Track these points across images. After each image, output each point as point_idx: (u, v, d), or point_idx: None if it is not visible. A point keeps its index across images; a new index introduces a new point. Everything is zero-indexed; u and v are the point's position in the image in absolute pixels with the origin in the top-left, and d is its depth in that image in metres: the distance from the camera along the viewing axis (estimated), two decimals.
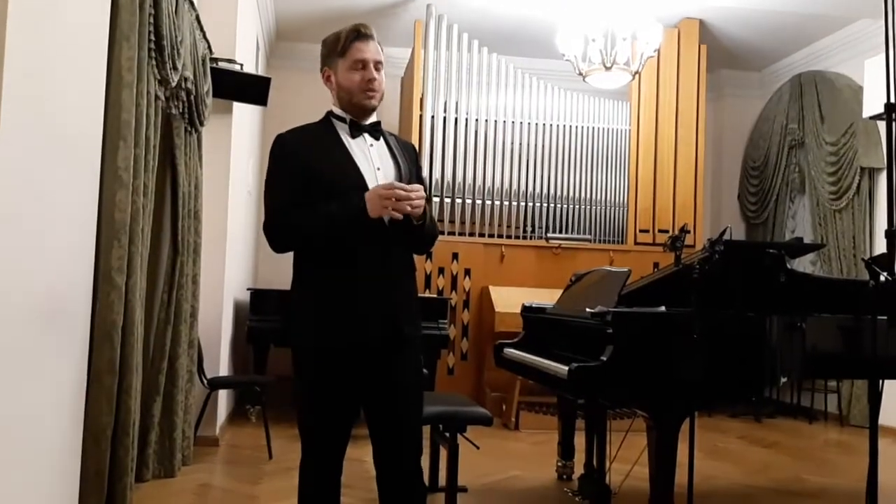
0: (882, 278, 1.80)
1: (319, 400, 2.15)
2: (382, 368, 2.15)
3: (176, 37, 3.34)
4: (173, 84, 3.43)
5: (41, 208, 2.12)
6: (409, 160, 2.28)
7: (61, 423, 2.40)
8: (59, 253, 2.31)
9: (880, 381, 5.92)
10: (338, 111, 2.25)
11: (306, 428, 2.20)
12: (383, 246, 2.14)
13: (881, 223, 6.38)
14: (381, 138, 2.26)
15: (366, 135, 2.22)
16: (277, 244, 2.16)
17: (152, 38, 3.08)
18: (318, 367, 2.14)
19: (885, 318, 1.84)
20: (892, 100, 1.97)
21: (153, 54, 3.12)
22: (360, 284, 2.11)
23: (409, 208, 2.06)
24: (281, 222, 2.14)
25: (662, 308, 3.26)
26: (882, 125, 6.17)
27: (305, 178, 2.12)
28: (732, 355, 3.19)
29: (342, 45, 2.19)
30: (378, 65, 2.20)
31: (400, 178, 2.19)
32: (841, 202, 6.73)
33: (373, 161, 2.19)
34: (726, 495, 4.10)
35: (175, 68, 3.38)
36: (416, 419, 2.24)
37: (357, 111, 2.21)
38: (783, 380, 3.36)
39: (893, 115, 1.95)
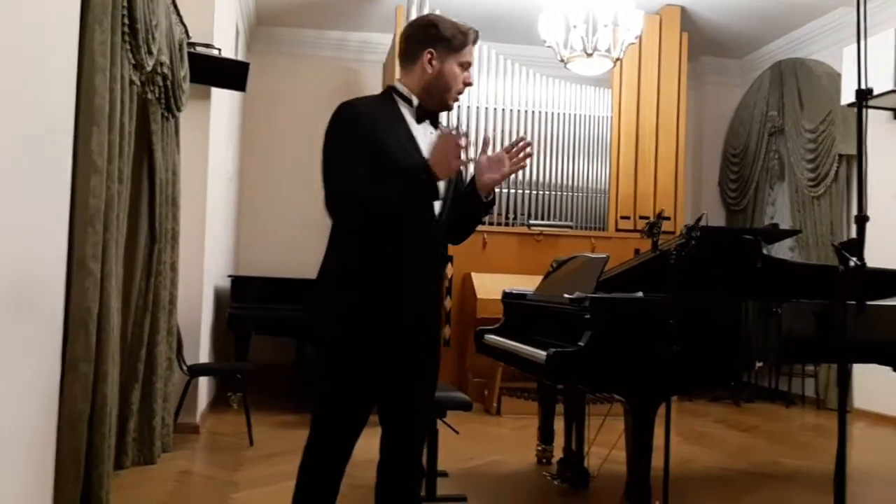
0: (851, 263, 1.82)
1: (346, 383, 2.10)
2: (410, 357, 2.15)
3: (150, 21, 3.30)
4: (148, 69, 3.39)
5: (10, 194, 2.10)
6: None
7: (34, 410, 2.38)
8: (31, 239, 2.28)
9: (850, 366, 5.97)
10: (405, 91, 2.18)
11: (326, 412, 2.15)
12: (435, 234, 2.15)
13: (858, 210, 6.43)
14: (438, 129, 2.26)
15: (428, 122, 2.21)
16: (342, 217, 2.10)
17: (126, 22, 3.03)
18: (349, 352, 2.09)
19: (854, 302, 1.86)
20: (864, 86, 1.98)
21: (127, 38, 3.08)
22: (406, 273, 2.10)
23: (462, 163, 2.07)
24: (351, 196, 2.04)
25: (640, 294, 3.28)
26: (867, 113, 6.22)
27: (370, 152, 2.05)
28: (708, 340, 3.22)
29: (465, 42, 2.18)
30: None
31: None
32: (819, 189, 6.78)
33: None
34: (703, 478, 4.15)
35: (150, 53, 3.34)
36: (429, 410, 2.27)
37: (436, 102, 2.19)
38: (758, 364, 3.39)
39: (865, 101, 1.96)
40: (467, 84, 2.19)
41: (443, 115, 2.30)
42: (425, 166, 2.04)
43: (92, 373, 2.75)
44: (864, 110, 1.98)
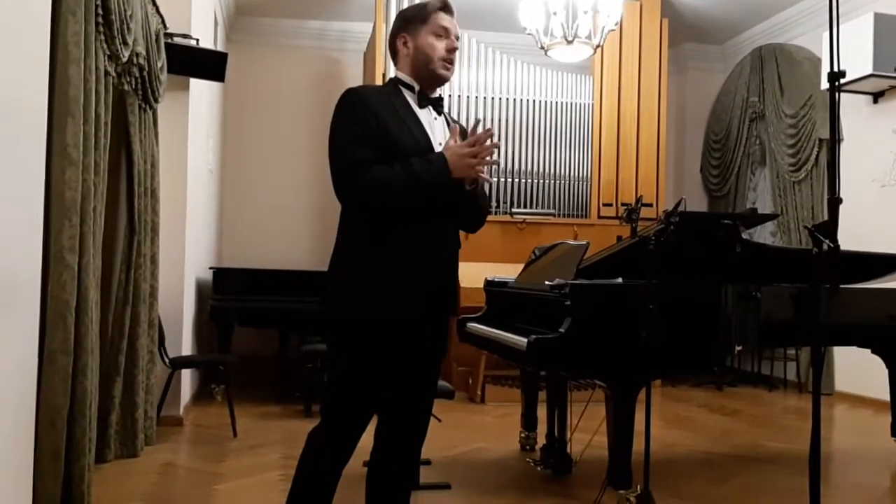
0: (824, 246, 1.84)
1: (365, 369, 2.10)
2: (426, 342, 2.15)
3: (125, 11, 3.26)
4: (124, 59, 3.35)
5: None
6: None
7: (11, 405, 2.37)
8: (5, 233, 2.26)
9: (831, 349, 6.02)
10: (405, 78, 2.20)
11: (343, 399, 2.14)
12: (442, 221, 2.14)
13: (839, 193, 6.48)
14: (442, 115, 2.25)
15: (430, 107, 2.21)
16: (351, 199, 2.09)
17: (100, 12, 3.00)
18: (365, 336, 2.09)
19: (828, 285, 1.87)
20: (838, 69, 1.99)
21: (101, 29, 3.05)
22: (417, 260, 2.10)
23: (488, 165, 2.07)
24: (358, 178, 2.03)
25: (619, 280, 3.30)
26: (841, 97, 6.25)
27: (377, 135, 2.06)
28: (687, 325, 3.24)
29: (428, 12, 2.19)
30: (457, 38, 2.21)
31: None
32: (800, 174, 6.83)
33: (436, 135, 2.18)
34: (686, 462, 4.19)
35: (125, 43, 3.31)
36: (432, 398, 2.29)
37: (430, 80, 2.18)
38: (738, 348, 3.42)
39: (838, 84, 1.97)
40: (450, 49, 2.17)
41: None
42: (443, 162, 2.04)
43: (71, 366, 2.73)
44: (837, 94, 1.99)
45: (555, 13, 5.55)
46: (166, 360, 4.48)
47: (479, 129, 2.10)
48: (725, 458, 4.29)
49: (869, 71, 5.62)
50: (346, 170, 2.06)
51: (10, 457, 2.37)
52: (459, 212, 2.22)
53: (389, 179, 2.02)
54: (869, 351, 4.37)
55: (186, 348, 5.07)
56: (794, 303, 3.50)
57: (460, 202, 2.17)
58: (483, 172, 2.08)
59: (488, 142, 2.07)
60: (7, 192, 2.26)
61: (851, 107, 6.34)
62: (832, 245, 1.79)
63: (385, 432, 2.24)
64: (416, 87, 2.19)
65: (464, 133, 2.24)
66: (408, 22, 2.22)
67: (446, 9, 2.20)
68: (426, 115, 2.19)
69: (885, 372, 4.32)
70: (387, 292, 2.08)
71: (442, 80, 2.20)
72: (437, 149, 2.14)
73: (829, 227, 1.85)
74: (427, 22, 2.18)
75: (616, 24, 5.78)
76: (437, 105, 2.23)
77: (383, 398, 2.20)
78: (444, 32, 2.17)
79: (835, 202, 1.84)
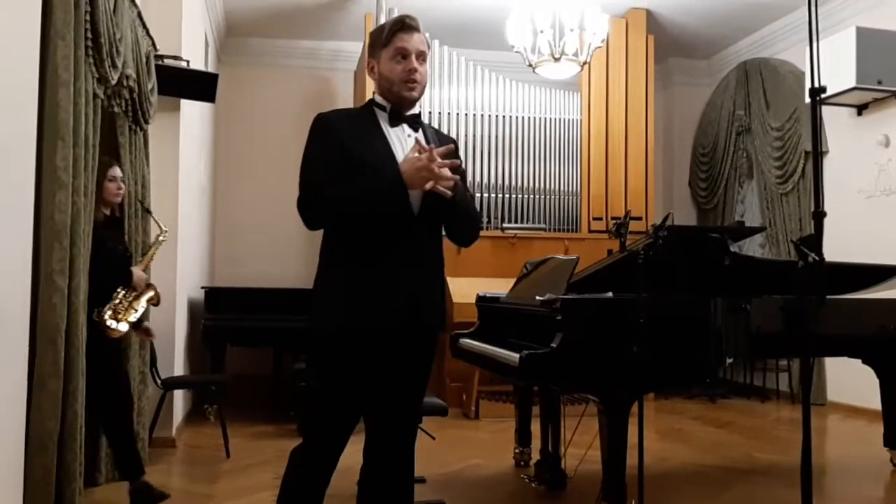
0: (809, 259, 1.86)
1: (339, 384, 2.13)
2: (400, 356, 2.16)
3: (115, 34, 3.28)
4: (113, 82, 3.37)
5: None
6: (449, 155, 2.28)
7: (2, 428, 2.36)
8: None
9: (822, 359, 6.04)
10: (378, 99, 2.25)
11: (319, 415, 2.17)
12: (412, 231, 2.15)
13: (825, 206, 6.53)
14: (420, 130, 2.26)
15: (405, 125, 2.23)
16: (311, 220, 2.14)
17: (89, 35, 3.02)
18: (340, 351, 2.12)
19: (814, 297, 1.90)
20: (819, 84, 2.03)
21: (91, 52, 3.07)
22: (391, 271, 2.11)
23: (447, 180, 2.07)
24: (316, 197, 2.11)
25: (609, 294, 3.31)
26: (824, 110, 6.33)
27: (343, 161, 2.11)
28: (678, 339, 3.26)
29: (386, 34, 2.21)
30: (421, 56, 2.21)
31: None
32: (787, 186, 6.88)
33: (408, 151, 2.18)
34: (678, 475, 4.19)
35: (115, 66, 3.32)
36: (417, 409, 2.29)
37: (397, 101, 2.21)
38: (729, 360, 3.44)
39: (819, 99, 2.01)
40: (408, 70, 2.17)
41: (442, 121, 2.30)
42: (396, 173, 2.06)
43: (61, 389, 2.72)
44: (819, 109, 2.02)
45: (542, 31, 5.61)
46: (158, 381, 4.46)
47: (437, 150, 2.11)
48: (719, 471, 4.30)
49: (852, 84, 5.68)
50: (304, 194, 2.13)
51: (1, 482, 2.36)
52: (441, 224, 2.24)
53: (342, 196, 2.08)
54: (860, 361, 4.39)
55: (179, 368, 5.05)
56: (784, 314, 3.52)
57: (438, 214, 2.18)
58: (439, 184, 2.07)
59: (440, 161, 2.07)
60: None
61: (836, 119, 6.41)
62: (817, 258, 1.81)
63: (373, 449, 2.25)
64: (388, 107, 2.23)
65: (454, 150, 2.25)
66: (372, 46, 2.26)
67: (404, 28, 2.20)
68: (398, 133, 2.22)
69: (877, 382, 4.34)
70: (364, 306, 2.10)
71: (409, 101, 2.22)
72: None
73: (814, 241, 1.88)
74: (387, 45, 2.20)
75: (602, 41, 5.84)
76: (413, 122, 2.25)
77: (367, 414, 2.21)
78: (403, 53, 2.18)
79: (819, 216, 1.87)
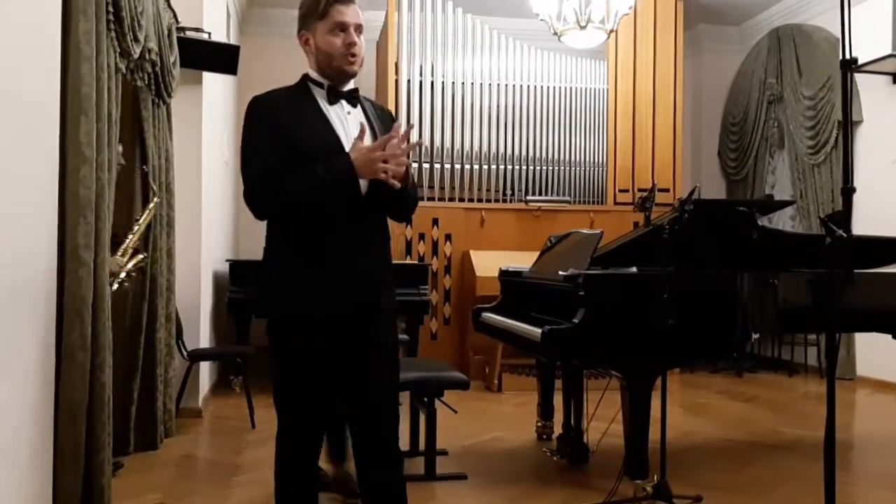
0: (837, 235, 1.81)
1: (295, 370, 2.13)
2: (358, 338, 2.14)
3: (136, 8, 3.27)
4: (135, 56, 3.36)
5: None
6: (387, 128, 2.22)
7: (31, 401, 2.40)
8: (20, 232, 2.29)
9: (852, 334, 5.97)
10: (315, 76, 2.18)
11: (282, 400, 2.18)
12: (360, 214, 2.11)
13: (859, 177, 6.40)
14: (359, 105, 2.22)
15: (343, 101, 2.17)
16: (260, 210, 2.12)
17: (111, 10, 3.00)
18: (293, 337, 2.11)
19: (842, 271, 1.85)
20: (851, 54, 1.96)
21: (112, 27, 3.06)
22: (337, 254, 2.09)
23: (401, 169, 2.03)
24: (264, 188, 2.07)
25: (634, 269, 3.28)
26: (859, 78, 6.17)
27: (282, 144, 2.06)
28: (704, 313, 3.22)
29: (322, 6, 2.12)
30: (359, 28, 2.14)
31: None
32: (819, 156, 6.74)
33: (349, 129, 2.14)
34: (703, 450, 4.17)
35: (136, 40, 3.32)
36: (392, 387, 2.24)
37: (336, 76, 2.15)
38: (755, 336, 3.40)
39: (850, 72, 1.94)
40: (349, 44, 2.10)
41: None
42: (348, 165, 2.01)
43: (89, 361, 2.76)
44: (851, 80, 1.96)
45: None
46: (184, 353, 4.52)
47: (402, 131, 2.06)
48: (743, 446, 4.27)
49: (888, 51, 5.53)
50: (250, 185, 2.09)
51: (30, 452, 2.41)
52: (386, 208, 2.20)
53: (292, 188, 2.04)
54: (890, 336, 4.32)
55: (204, 341, 5.11)
56: (812, 289, 3.46)
57: (386, 199, 2.13)
58: (390, 174, 2.02)
59: (404, 144, 2.03)
60: (22, 191, 2.29)
61: (871, 87, 6.25)
62: (844, 235, 1.76)
63: (352, 430, 2.24)
64: (325, 84, 2.16)
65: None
66: (305, 18, 2.16)
67: (341, 0, 2.12)
68: (337, 111, 2.15)
69: None
70: (314, 291, 2.08)
71: (349, 76, 2.16)
72: (351, 142, 2.10)
73: (843, 217, 1.83)
74: (323, 17, 2.11)
75: (630, 7, 5.71)
76: (350, 98, 2.19)
77: (345, 399, 2.20)
78: (342, 26, 2.10)
79: (848, 192, 1.82)
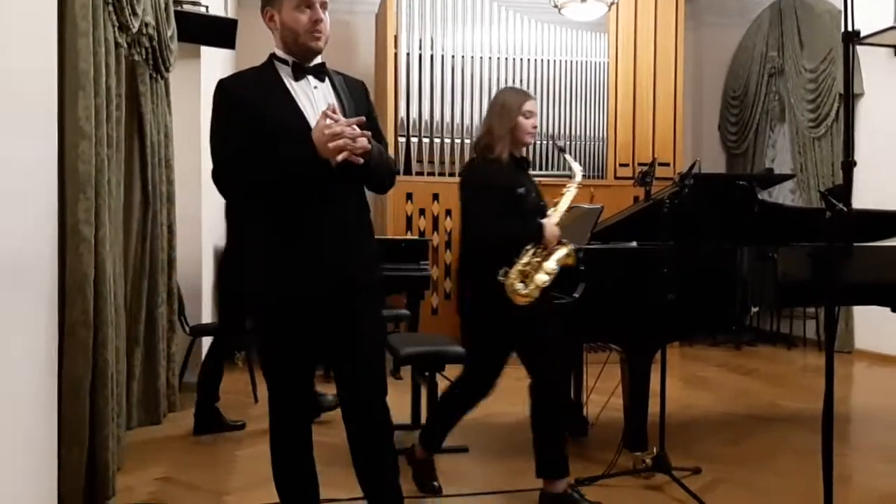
0: (837, 209, 1.82)
1: (277, 350, 2.18)
2: (338, 316, 2.15)
3: None
4: (134, 30, 3.34)
5: None
6: (358, 100, 2.24)
7: (34, 377, 2.42)
8: (20, 208, 2.29)
9: (850, 308, 5.96)
10: (280, 53, 2.19)
11: (268, 375, 2.23)
12: (333, 190, 2.11)
13: (859, 150, 6.38)
14: (327, 80, 2.21)
15: (309, 77, 2.17)
16: (226, 192, 2.17)
17: None
18: (272, 319, 2.16)
19: (841, 245, 1.86)
20: (851, 28, 1.95)
21: (110, 0, 3.04)
22: (310, 234, 2.10)
23: (360, 144, 2.02)
24: (229, 172, 2.11)
25: (634, 244, 3.29)
26: (861, 50, 6.12)
27: (249, 124, 2.08)
28: (703, 287, 3.23)
29: None
30: (324, 5, 2.14)
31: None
32: (820, 130, 6.71)
33: (316, 104, 2.14)
34: (701, 423, 4.21)
35: (135, 13, 3.29)
36: (377, 360, 2.25)
37: (302, 53, 2.16)
38: (754, 309, 3.41)
39: (852, 44, 1.93)
40: (315, 21, 2.10)
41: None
42: (311, 146, 2.02)
43: (91, 338, 2.78)
44: (853, 54, 1.95)
45: None
46: (186, 329, 4.54)
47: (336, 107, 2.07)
48: (742, 419, 4.31)
49: (890, 23, 5.48)
50: (216, 168, 2.12)
51: (35, 428, 2.43)
52: (360, 182, 2.20)
53: (256, 170, 2.06)
54: (889, 309, 4.33)
55: (206, 316, 5.13)
56: (811, 262, 3.47)
57: (358, 173, 2.12)
58: (352, 156, 2.01)
59: (349, 133, 2.01)
60: (20, 168, 2.28)
61: (872, 60, 6.20)
62: (844, 209, 1.77)
63: (346, 411, 2.25)
64: (290, 61, 2.16)
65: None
66: None
67: None
68: (304, 87, 2.16)
69: None
70: (293, 273, 2.10)
71: (314, 52, 2.15)
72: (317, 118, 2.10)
73: (843, 191, 1.83)
74: None
75: None
76: (317, 73, 2.18)
77: (336, 377, 2.24)
78: (308, 4, 2.10)
79: (848, 165, 1.82)
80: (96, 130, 2.83)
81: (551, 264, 2.79)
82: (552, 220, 2.89)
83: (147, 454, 3.50)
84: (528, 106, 2.94)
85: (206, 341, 5.01)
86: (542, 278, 2.75)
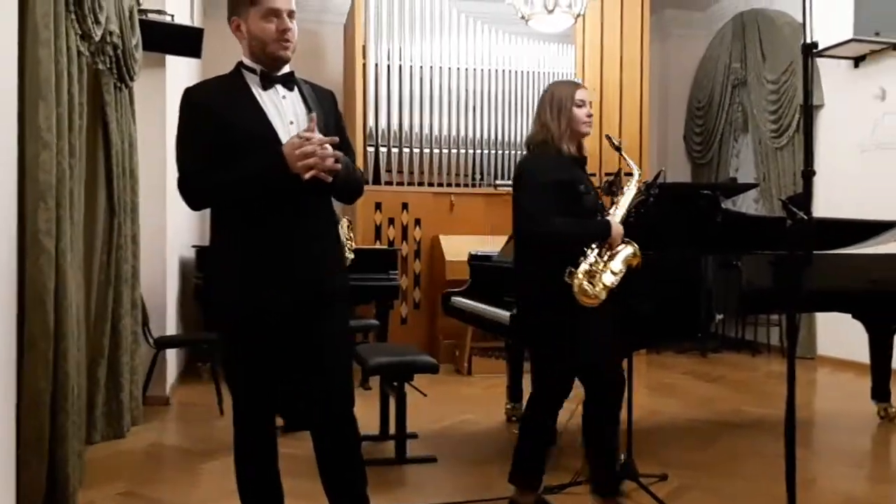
0: (797, 218, 1.85)
1: (244, 361, 2.16)
2: (307, 329, 2.15)
3: None
4: (97, 38, 3.30)
5: None
6: (326, 109, 2.23)
7: None
8: None
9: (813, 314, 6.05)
10: (248, 62, 2.17)
11: (233, 386, 2.22)
12: (300, 202, 2.10)
13: (820, 160, 6.52)
14: (296, 89, 2.20)
15: (278, 86, 2.16)
16: (193, 203, 2.15)
17: None
18: (240, 330, 2.14)
19: (801, 253, 1.89)
20: (809, 41, 1.99)
21: (72, 8, 3.00)
22: (280, 246, 2.09)
23: (329, 164, 2.02)
24: (195, 183, 2.10)
25: None
26: (821, 62, 6.26)
27: (215, 133, 2.07)
28: (669, 296, 3.26)
29: None
30: (292, 14, 2.14)
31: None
32: (782, 140, 6.84)
33: (285, 113, 2.14)
34: (668, 429, 4.25)
35: (97, 22, 3.25)
36: (345, 373, 2.25)
37: (270, 62, 2.15)
38: (719, 317, 3.45)
39: (811, 56, 1.97)
40: (282, 30, 2.10)
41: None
42: (278, 159, 2.01)
43: (52, 350, 2.73)
44: (812, 65, 1.99)
45: None
46: (150, 341, 4.48)
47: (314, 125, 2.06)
48: (708, 425, 4.36)
49: (849, 35, 5.61)
50: (181, 178, 2.12)
51: None
52: (328, 196, 2.20)
53: (222, 182, 2.06)
54: (850, 316, 4.42)
55: (171, 328, 5.06)
56: (774, 270, 3.52)
57: (328, 188, 2.12)
58: (322, 174, 2.02)
59: (320, 152, 2.01)
60: None
61: (832, 71, 6.35)
62: (804, 217, 1.80)
63: (313, 421, 2.25)
64: (258, 70, 2.15)
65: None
66: (237, 4, 2.15)
67: None
68: (271, 96, 2.15)
69: (866, 335, 4.38)
70: (261, 286, 2.09)
71: (283, 61, 2.15)
72: (289, 126, 2.11)
73: (803, 199, 1.87)
74: (255, 3, 2.10)
75: None
76: (286, 82, 2.17)
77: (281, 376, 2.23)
78: (275, 13, 2.10)
79: (808, 174, 1.86)
80: (58, 140, 2.79)
81: (617, 264, 2.69)
82: (616, 218, 2.82)
83: (110, 469, 3.43)
84: (580, 95, 2.83)
85: (171, 353, 4.95)
86: (609, 279, 2.66)
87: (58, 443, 2.76)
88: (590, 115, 2.86)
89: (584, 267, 2.64)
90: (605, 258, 2.71)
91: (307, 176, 2.00)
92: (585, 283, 2.62)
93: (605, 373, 2.83)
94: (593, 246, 2.70)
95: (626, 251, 2.75)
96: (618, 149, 3.07)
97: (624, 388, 2.91)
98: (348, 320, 2.32)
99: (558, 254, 2.66)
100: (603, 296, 2.64)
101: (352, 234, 4.02)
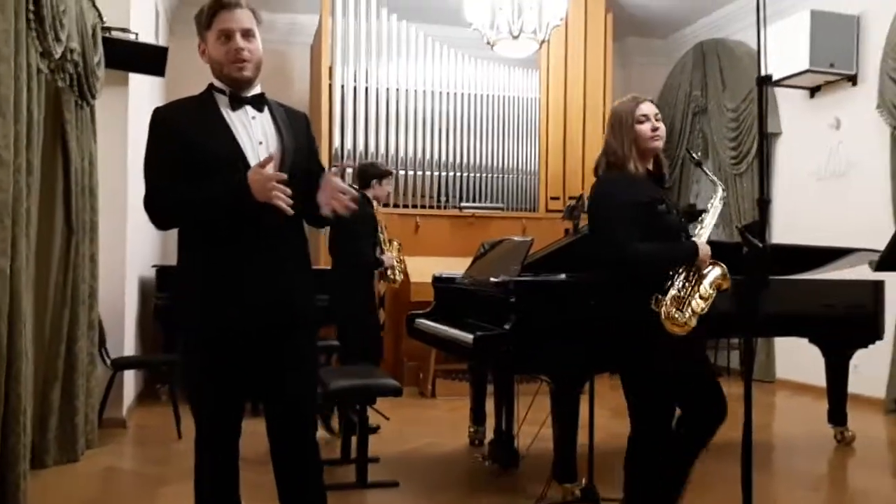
0: (753, 245, 1.89)
1: (207, 383, 2.13)
2: (271, 351, 2.13)
3: (58, 6, 3.17)
4: (57, 56, 3.26)
5: None
6: (298, 132, 2.22)
7: None
8: None
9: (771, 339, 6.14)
10: (216, 83, 2.17)
11: (196, 409, 2.19)
12: (265, 225, 2.08)
13: (778, 187, 6.67)
14: (266, 110, 2.19)
15: (248, 107, 2.15)
16: (159, 223, 2.14)
17: (31, 8, 2.91)
18: (204, 352, 2.11)
19: (755, 279, 1.94)
20: (764, 72, 2.05)
21: (33, 25, 2.96)
22: (245, 268, 2.07)
23: (281, 203, 2.00)
24: (161, 202, 2.09)
25: (563, 276, 3.34)
26: (779, 91, 6.43)
27: (183, 153, 2.06)
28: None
29: (206, 16, 2.13)
30: (247, 33, 2.12)
31: (283, 151, 2.13)
32: (741, 167, 6.98)
33: (253, 134, 2.13)
34: None
35: (58, 39, 3.22)
36: (308, 398, 2.22)
37: (231, 83, 2.14)
38: None
39: (765, 88, 2.03)
40: (235, 50, 2.09)
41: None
42: (242, 185, 2.00)
43: (3, 372, 2.67)
44: (766, 97, 2.05)
45: (500, 8, 5.57)
46: (107, 362, 4.39)
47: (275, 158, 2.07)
48: None
49: (805, 67, 5.77)
50: (147, 196, 2.12)
51: None
52: (299, 219, 2.19)
53: (187, 203, 2.05)
54: (807, 340, 4.50)
55: (129, 349, 4.97)
56: (731, 295, 3.57)
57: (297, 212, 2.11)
58: (283, 205, 2.00)
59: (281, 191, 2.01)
60: None
61: (789, 101, 6.51)
62: (760, 244, 1.84)
63: (268, 433, 2.22)
64: (228, 91, 2.15)
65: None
66: (198, 28, 2.18)
67: (223, 7, 2.12)
68: (241, 117, 2.14)
69: (823, 360, 4.46)
70: (204, 307, 2.08)
71: (241, 81, 2.14)
72: (257, 148, 2.10)
73: (758, 227, 1.91)
74: (209, 27, 2.12)
75: (561, 19, 5.82)
76: (256, 103, 2.17)
77: (245, 400, 2.21)
78: (227, 34, 2.10)
79: (763, 203, 1.90)
80: (15, 157, 2.75)
81: (706, 288, 2.51)
82: (702, 238, 2.65)
83: (63, 493, 3.34)
84: (641, 110, 2.65)
85: (129, 375, 4.86)
86: (698, 304, 2.47)
87: (9, 467, 2.69)
88: (655, 129, 2.65)
89: (672, 293, 2.49)
90: (693, 282, 2.54)
91: (275, 203, 1.99)
92: (674, 310, 2.46)
93: (710, 398, 2.69)
94: (680, 270, 2.54)
95: (714, 273, 2.57)
96: (699, 164, 2.94)
97: (726, 412, 2.70)
98: (314, 345, 2.30)
99: (645, 280, 2.51)
100: (693, 323, 2.47)
101: (402, 258, 4.17)
